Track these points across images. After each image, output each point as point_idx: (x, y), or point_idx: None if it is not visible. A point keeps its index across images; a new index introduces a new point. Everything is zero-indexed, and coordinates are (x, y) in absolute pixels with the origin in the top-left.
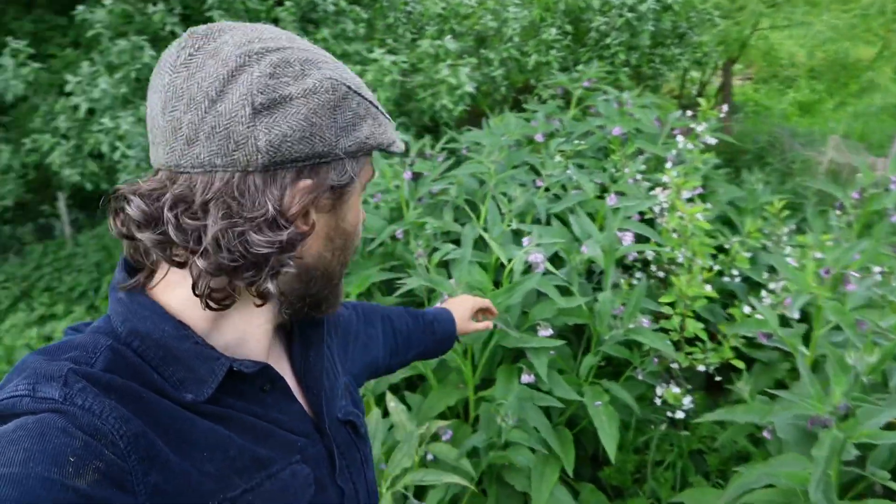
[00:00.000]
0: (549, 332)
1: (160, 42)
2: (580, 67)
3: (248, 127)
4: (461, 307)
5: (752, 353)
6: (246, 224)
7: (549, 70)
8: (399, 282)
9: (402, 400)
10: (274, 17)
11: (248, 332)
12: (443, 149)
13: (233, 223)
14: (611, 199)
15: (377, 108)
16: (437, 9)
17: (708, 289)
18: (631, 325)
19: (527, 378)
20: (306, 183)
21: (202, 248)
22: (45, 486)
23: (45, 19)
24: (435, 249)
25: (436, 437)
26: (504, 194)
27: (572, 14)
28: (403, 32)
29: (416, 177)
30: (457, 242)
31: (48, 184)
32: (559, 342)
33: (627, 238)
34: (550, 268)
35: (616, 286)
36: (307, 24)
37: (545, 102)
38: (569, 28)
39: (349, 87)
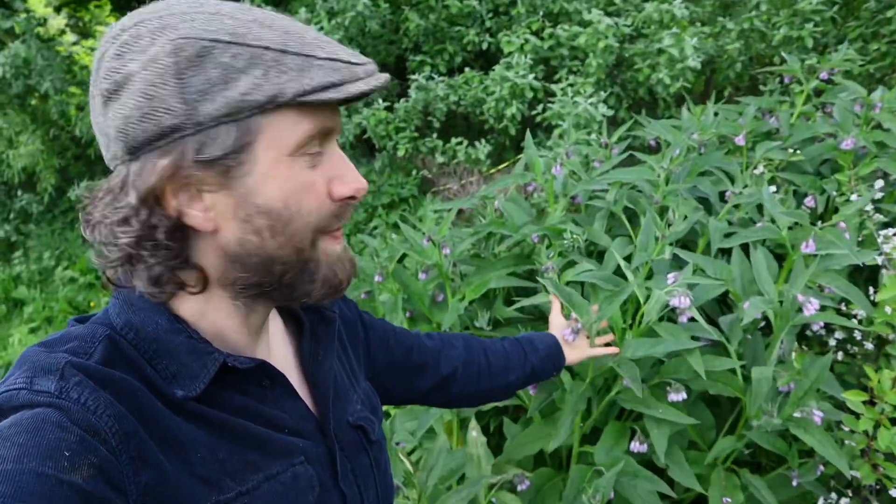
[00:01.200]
0: (682, 395)
1: None
2: (841, 47)
3: (104, 117)
4: (553, 322)
5: None
6: (115, 215)
7: (802, 48)
8: (522, 297)
9: (499, 428)
10: None
11: (226, 326)
12: (623, 137)
13: (104, 216)
14: (807, 245)
15: (282, 50)
16: None
17: None
18: (797, 414)
19: (638, 447)
20: (162, 163)
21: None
22: (40, 481)
23: None
24: (572, 263)
25: (511, 485)
26: (665, 210)
27: None
28: None
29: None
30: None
31: None
32: (688, 420)
33: (811, 306)
34: (697, 315)
35: (783, 360)
36: None
37: (784, 89)
38: None
39: (215, 41)
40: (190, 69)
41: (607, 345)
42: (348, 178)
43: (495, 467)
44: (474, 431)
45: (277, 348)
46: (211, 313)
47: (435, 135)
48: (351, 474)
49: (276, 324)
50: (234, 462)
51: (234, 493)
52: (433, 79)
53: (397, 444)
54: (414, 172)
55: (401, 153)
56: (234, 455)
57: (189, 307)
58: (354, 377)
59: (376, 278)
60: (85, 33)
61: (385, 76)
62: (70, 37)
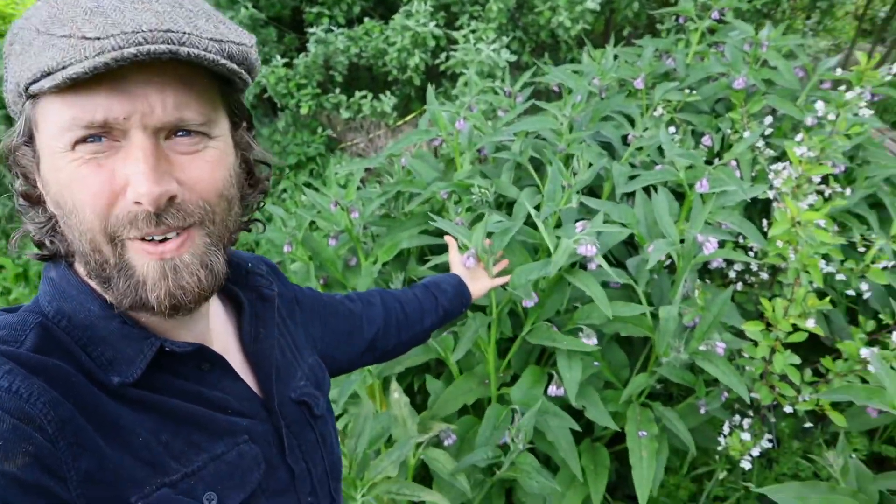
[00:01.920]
0: (593, 341)
1: None
2: None
3: None
4: (451, 260)
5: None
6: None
7: None
8: (436, 255)
9: (423, 386)
10: None
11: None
12: (527, 84)
13: None
14: (701, 185)
15: (37, 30)
16: None
17: (811, 324)
18: (702, 347)
19: (555, 391)
20: (6, 141)
21: None
22: None
23: None
24: (482, 217)
25: (437, 440)
26: (570, 158)
27: None
28: None
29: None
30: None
31: None
32: (590, 347)
33: (710, 245)
34: (603, 263)
35: (687, 296)
36: None
37: (679, 29)
38: None
39: (21, 27)
40: (7, 58)
41: (503, 274)
42: (134, 181)
43: (420, 425)
44: (396, 393)
45: (217, 329)
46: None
47: (338, 90)
48: (298, 450)
49: (216, 305)
50: (177, 444)
51: (179, 474)
52: (332, 31)
53: None
54: (319, 130)
55: (304, 111)
56: (177, 437)
57: (111, 295)
58: (298, 353)
59: (285, 248)
60: None
61: (128, 52)
62: None
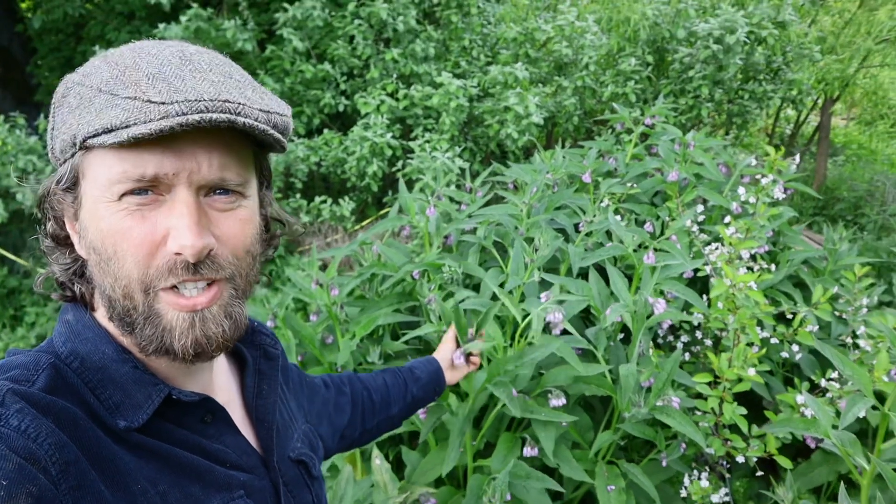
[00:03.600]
0: (562, 401)
1: (233, 59)
2: (658, 101)
3: None
4: (443, 348)
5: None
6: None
7: (626, 102)
8: (408, 330)
9: (398, 456)
10: (349, 33)
11: (149, 359)
12: (484, 182)
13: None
14: (648, 257)
15: (99, 89)
16: (513, 33)
17: (752, 373)
18: (659, 403)
19: (529, 451)
20: (44, 186)
21: None
22: None
23: (140, 30)
24: (451, 294)
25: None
26: (530, 240)
27: (654, 44)
28: (478, 55)
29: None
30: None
31: None
32: (569, 417)
33: (660, 305)
34: (570, 328)
35: (642, 356)
36: (380, 42)
37: (617, 137)
38: (650, 59)
39: (75, 83)
40: (56, 108)
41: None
42: (177, 233)
43: (401, 490)
44: (377, 459)
45: (221, 383)
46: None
47: (298, 195)
48: None
49: (221, 359)
50: (174, 495)
51: None
52: (293, 140)
53: None
54: (278, 233)
55: None
56: (174, 487)
57: (132, 339)
58: (293, 416)
59: (268, 324)
60: None
61: (192, 118)
62: None
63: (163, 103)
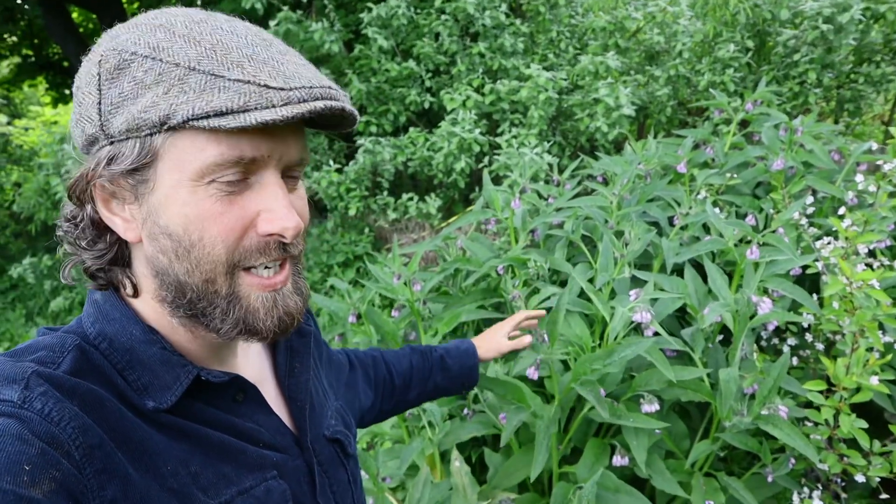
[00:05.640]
0: (655, 407)
1: (322, 60)
2: (759, 86)
3: None
4: (488, 333)
5: None
6: (62, 211)
7: (724, 91)
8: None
9: (481, 458)
10: (435, 30)
11: (183, 339)
12: (573, 175)
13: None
14: (751, 252)
15: (191, 68)
16: (602, 23)
17: (874, 381)
18: (764, 411)
19: (619, 460)
20: (85, 166)
21: None
22: None
23: None
24: (536, 291)
25: None
26: (620, 234)
27: (754, 28)
28: (566, 47)
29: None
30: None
31: None
32: (662, 424)
33: (764, 305)
34: (659, 329)
35: (744, 359)
36: (466, 37)
37: (714, 126)
38: (749, 44)
39: (135, 53)
40: (109, 81)
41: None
42: (275, 215)
43: (482, 494)
44: (457, 462)
45: (253, 360)
46: (170, 327)
47: (385, 193)
48: (329, 489)
49: None
50: (206, 475)
51: None
52: (380, 142)
53: (383, 479)
54: (366, 230)
55: (352, 212)
56: (206, 468)
57: (161, 320)
58: (326, 393)
59: (350, 319)
60: (16, 114)
61: (317, 105)
62: (2, 117)
63: (282, 89)
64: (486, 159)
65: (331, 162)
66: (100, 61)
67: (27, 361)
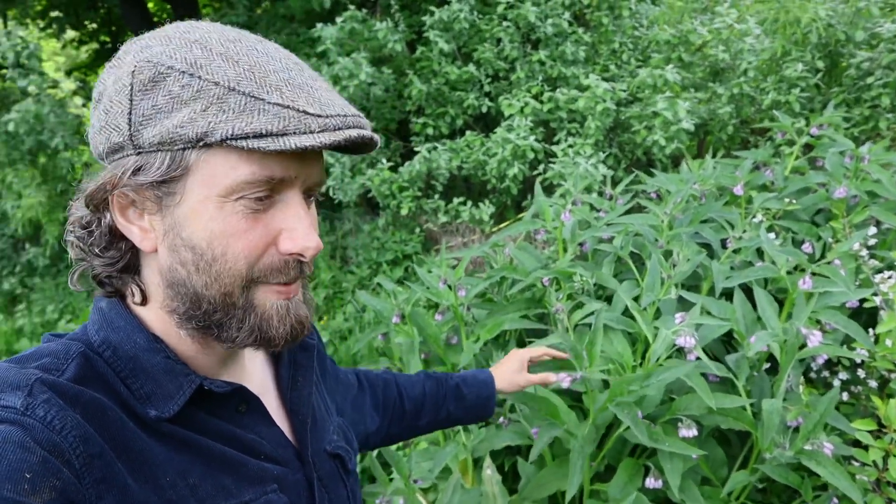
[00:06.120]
0: (693, 432)
1: (384, 60)
2: (827, 109)
3: (90, 124)
4: (507, 361)
5: None
6: (71, 215)
7: (789, 111)
8: (534, 338)
9: (513, 468)
10: (496, 35)
11: (188, 349)
12: (626, 190)
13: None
14: (804, 282)
15: (230, 88)
16: (666, 36)
17: None
18: (808, 446)
19: (653, 482)
20: (105, 175)
21: None
22: None
23: (297, 32)
24: (580, 305)
25: None
26: (669, 254)
27: (826, 48)
28: (629, 59)
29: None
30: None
31: None
32: (697, 451)
33: (814, 337)
34: (702, 355)
35: (790, 391)
36: (527, 44)
37: (776, 147)
38: (819, 64)
39: (171, 68)
40: (142, 92)
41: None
42: (297, 235)
43: None
44: (489, 469)
45: (255, 372)
46: (176, 337)
47: (437, 196)
48: None
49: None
50: (205, 487)
51: None
52: (436, 148)
53: (415, 481)
54: (417, 230)
55: (404, 212)
56: (205, 479)
57: (167, 329)
58: (328, 408)
59: (394, 319)
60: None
61: (352, 133)
62: (78, 100)
63: (319, 115)
64: (540, 167)
65: (384, 160)
66: (133, 72)
67: (31, 368)
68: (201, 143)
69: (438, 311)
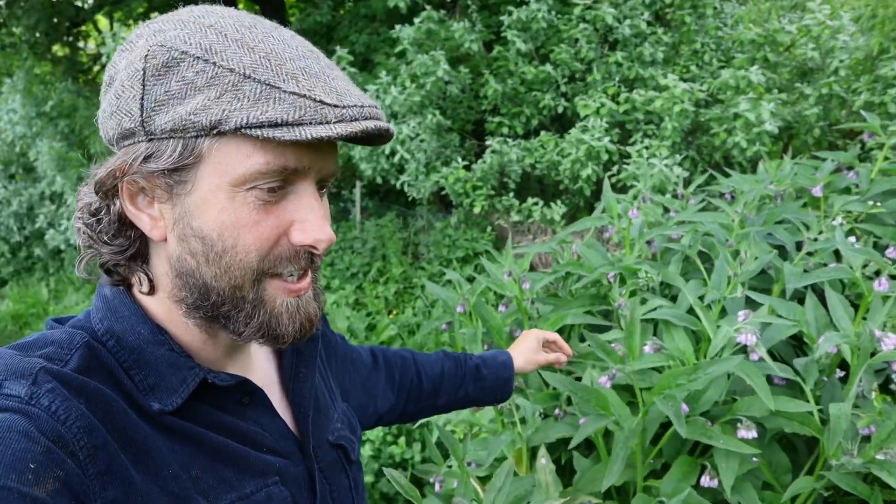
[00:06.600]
0: (752, 434)
1: (461, 60)
2: None
3: (100, 108)
4: (525, 341)
5: None
6: (79, 202)
7: (884, 114)
8: (597, 334)
9: (569, 461)
10: (574, 36)
11: (192, 340)
12: (699, 190)
13: (82, 209)
14: (880, 283)
15: (245, 75)
16: (751, 35)
17: None
18: (879, 456)
19: (707, 481)
20: (115, 161)
21: None
22: (2, 494)
23: (378, 32)
24: (644, 302)
25: None
26: (737, 254)
27: None
28: (710, 60)
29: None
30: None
31: (352, 173)
32: (750, 449)
33: (889, 341)
34: (764, 354)
35: (862, 397)
36: (605, 45)
37: (865, 150)
38: None
39: (185, 53)
40: (155, 77)
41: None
42: (309, 227)
43: (563, 494)
44: (543, 459)
45: (259, 363)
46: (181, 327)
47: (511, 194)
48: (329, 497)
49: None
50: (207, 479)
51: None
52: (507, 142)
53: (469, 464)
54: (489, 229)
55: (477, 210)
56: (207, 472)
57: (173, 319)
58: (333, 395)
59: (459, 309)
60: None
61: (369, 125)
62: None
63: (335, 106)
64: (614, 168)
65: (458, 159)
66: (146, 56)
67: (35, 357)
68: (215, 132)
69: (502, 302)
